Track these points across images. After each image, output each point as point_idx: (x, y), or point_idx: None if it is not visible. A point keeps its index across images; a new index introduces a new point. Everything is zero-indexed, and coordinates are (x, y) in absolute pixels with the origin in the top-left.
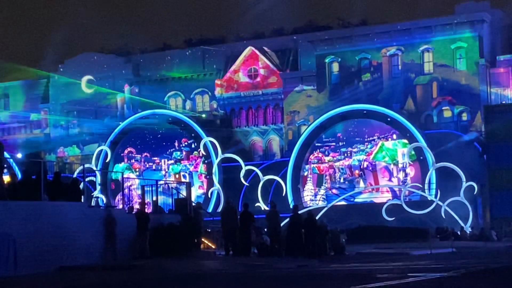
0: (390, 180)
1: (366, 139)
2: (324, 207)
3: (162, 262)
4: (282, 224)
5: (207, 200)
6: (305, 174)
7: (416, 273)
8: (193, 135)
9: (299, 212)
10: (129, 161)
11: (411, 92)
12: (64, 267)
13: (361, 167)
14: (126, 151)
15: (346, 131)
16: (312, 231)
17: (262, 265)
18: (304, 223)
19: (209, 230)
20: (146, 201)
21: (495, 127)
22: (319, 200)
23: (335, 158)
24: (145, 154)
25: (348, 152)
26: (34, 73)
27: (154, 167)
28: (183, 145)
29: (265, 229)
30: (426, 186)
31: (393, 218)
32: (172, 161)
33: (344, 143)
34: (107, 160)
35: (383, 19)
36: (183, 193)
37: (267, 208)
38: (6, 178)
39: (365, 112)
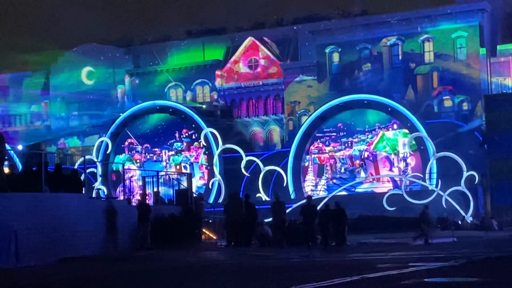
0: (391, 170)
1: (366, 129)
2: (325, 197)
3: (163, 253)
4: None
5: (208, 191)
6: (306, 164)
7: (417, 262)
8: (193, 126)
9: (312, 202)
10: (130, 152)
11: (412, 82)
12: (65, 259)
13: (362, 157)
14: (126, 142)
15: (347, 121)
16: (343, 222)
17: (264, 256)
18: (334, 214)
19: (210, 221)
20: (147, 192)
21: (495, 117)
22: (320, 190)
23: (335, 148)
24: (146, 145)
25: (349, 142)
26: (35, 64)
27: (155, 158)
28: (184, 136)
29: (266, 220)
30: (427, 176)
31: (394, 208)
32: (173, 152)
33: (344, 133)
34: (108, 152)
35: (383, 9)
36: (184, 184)
37: (268, 199)
38: (7, 170)
39: (365, 102)
